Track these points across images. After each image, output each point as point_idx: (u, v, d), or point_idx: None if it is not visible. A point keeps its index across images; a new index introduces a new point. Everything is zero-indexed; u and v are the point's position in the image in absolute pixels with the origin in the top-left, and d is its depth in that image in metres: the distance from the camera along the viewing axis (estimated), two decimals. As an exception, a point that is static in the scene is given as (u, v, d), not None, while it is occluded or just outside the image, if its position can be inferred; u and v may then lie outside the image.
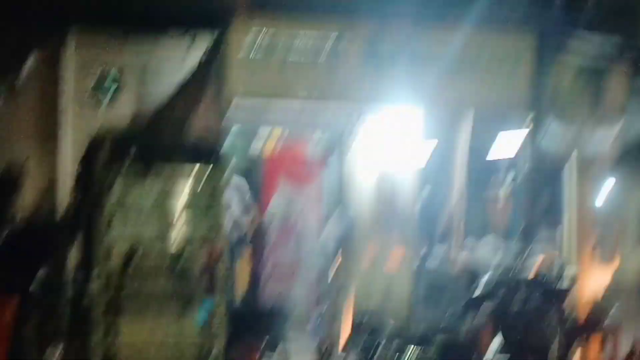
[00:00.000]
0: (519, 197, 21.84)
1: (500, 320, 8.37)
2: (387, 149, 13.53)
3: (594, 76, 11.75)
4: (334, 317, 12.78)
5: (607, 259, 12.27)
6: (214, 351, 8.05)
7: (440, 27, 11.29)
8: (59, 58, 11.96)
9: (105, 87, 12.28)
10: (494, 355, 8.31)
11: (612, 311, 10.24)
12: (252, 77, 10.90)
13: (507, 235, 15.19)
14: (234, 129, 11.72)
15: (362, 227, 13.56)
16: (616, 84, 11.96)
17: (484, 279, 8.66)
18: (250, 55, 10.83)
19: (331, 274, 14.44)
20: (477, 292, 8.56)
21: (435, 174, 16.14)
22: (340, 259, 13.85)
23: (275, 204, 14.50)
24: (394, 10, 11.14)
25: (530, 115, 11.68)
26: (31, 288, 8.86)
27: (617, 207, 15.04)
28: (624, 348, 10.31)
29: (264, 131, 14.16)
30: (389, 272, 13.45)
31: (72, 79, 11.99)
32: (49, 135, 11.92)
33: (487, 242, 13.97)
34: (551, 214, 17.87)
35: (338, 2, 11.01)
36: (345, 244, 13.63)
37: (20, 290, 9.19)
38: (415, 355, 7.75)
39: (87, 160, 8.52)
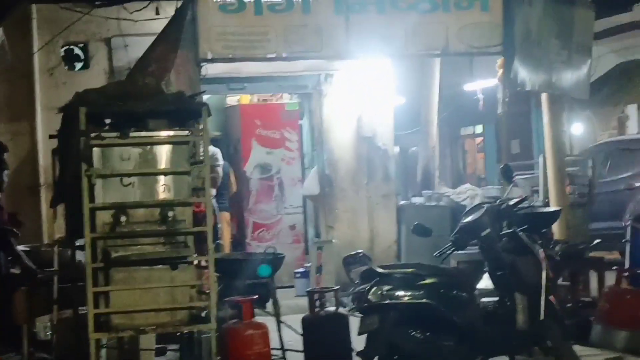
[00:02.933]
0: (491, 142, 22.12)
1: (487, 254, 8.49)
2: (361, 101, 13.64)
3: (562, 15, 11.82)
4: (320, 268, 12.95)
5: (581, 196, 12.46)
6: (206, 311, 8.10)
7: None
8: (27, 32, 11.95)
9: (76, 57, 12.31)
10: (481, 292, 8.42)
11: (594, 244, 10.41)
12: (223, 38, 10.91)
13: (481, 183, 15.38)
14: (208, 89, 11.74)
15: (340, 178, 13.71)
16: (583, 23, 12.05)
17: (467, 215, 8.73)
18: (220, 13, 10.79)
19: (314, 226, 14.62)
20: (462, 224, 8.64)
21: (408, 125, 16.30)
22: (321, 211, 14.01)
23: (253, 160, 14.57)
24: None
25: (501, 58, 11.77)
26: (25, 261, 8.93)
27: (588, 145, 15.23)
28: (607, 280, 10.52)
29: (237, 90, 14.19)
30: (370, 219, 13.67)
31: (42, 52, 12.01)
32: (24, 110, 11.97)
33: (464, 189, 14.14)
34: (524, 156, 18.05)
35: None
36: (325, 196, 13.78)
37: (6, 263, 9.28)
38: (406, 297, 7.86)
39: (64, 131, 8.52)
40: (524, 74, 11.39)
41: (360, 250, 8.63)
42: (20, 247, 9.14)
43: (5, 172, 9.11)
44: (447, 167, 22.12)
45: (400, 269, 8.41)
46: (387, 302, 7.85)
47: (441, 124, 16.71)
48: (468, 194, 13.93)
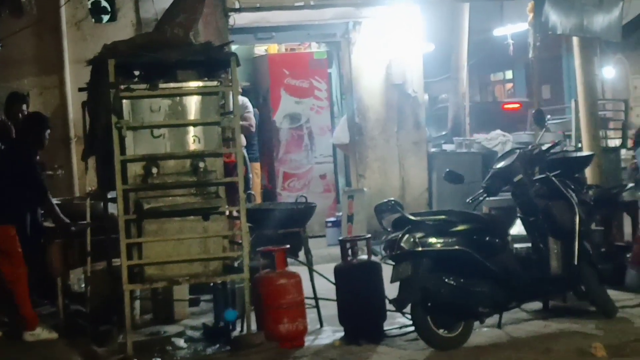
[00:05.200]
0: (521, 88, 21.95)
1: (519, 200, 8.45)
2: (390, 48, 13.54)
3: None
4: (351, 217, 12.95)
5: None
6: (239, 261, 8.13)
7: None
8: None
9: (103, 9, 12.26)
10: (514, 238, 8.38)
11: (627, 187, 10.32)
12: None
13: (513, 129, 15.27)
14: (236, 39, 11.69)
15: (370, 127, 13.66)
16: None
17: (499, 161, 8.68)
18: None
19: (344, 174, 14.61)
20: (494, 170, 8.60)
21: (437, 72, 16.20)
22: (351, 160, 13.99)
23: (282, 110, 14.53)
24: None
25: (531, 2, 11.62)
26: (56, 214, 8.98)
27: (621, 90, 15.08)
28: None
29: (265, 40, 14.11)
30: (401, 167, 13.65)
31: (69, 5, 11.96)
32: (53, 63, 11.97)
33: (495, 135, 14.07)
34: (555, 101, 17.89)
35: None
36: (355, 145, 13.74)
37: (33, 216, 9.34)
38: (438, 244, 7.84)
39: (93, 84, 8.52)
40: (555, 17, 11.25)
41: (392, 199, 8.60)
42: (53, 200, 9.18)
43: (47, 131, 9.17)
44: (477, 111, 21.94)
45: (432, 216, 8.39)
46: (419, 249, 7.84)
47: (471, 70, 16.60)
48: (499, 140, 13.84)
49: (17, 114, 10.18)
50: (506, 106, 16.24)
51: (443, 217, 8.17)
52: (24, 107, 10.35)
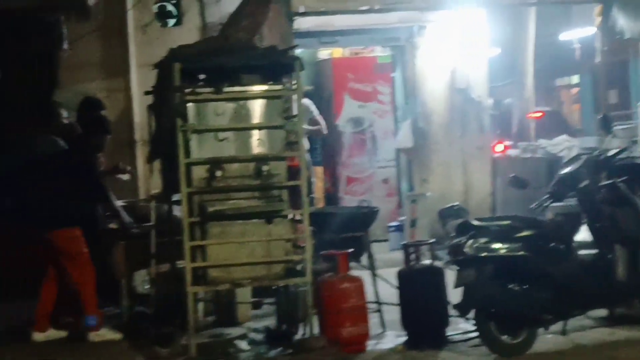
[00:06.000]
0: (587, 93, 21.69)
1: (585, 206, 8.36)
2: (454, 53, 13.48)
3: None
4: (414, 221, 12.90)
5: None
6: (301, 264, 8.14)
7: None
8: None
9: (168, 13, 12.35)
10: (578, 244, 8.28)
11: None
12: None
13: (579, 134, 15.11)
14: (300, 43, 11.71)
15: (433, 131, 13.61)
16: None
17: (565, 167, 8.59)
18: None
19: (407, 179, 14.56)
20: (560, 175, 8.51)
21: (502, 76, 16.10)
22: (414, 164, 13.94)
23: (346, 114, 14.53)
24: None
25: (599, 6, 11.51)
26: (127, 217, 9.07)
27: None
28: None
29: (329, 44, 14.12)
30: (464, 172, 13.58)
31: (135, 9, 12.08)
32: (119, 67, 12.09)
33: (561, 141, 13.93)
34: (622, 106, 17.69)
35: None
36: (418, 149, 13.70)
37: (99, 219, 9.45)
38: (502, 250, 7.78)
39: (158, 87, 8.60)
40: (623, 21, 11.14)
41: (456, 203, 8.58)
42: (118, 203, 9.27)
43: (108, 136, 9.28)
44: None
45: (496, 221, 8.33)
46: (483, 254, 7.79)
47: (536, 75, 16.46)
48: (565, 146, 13.70)
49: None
50: (530, 115, 16.16)
51: (507, 222, 8.11)
52: (102, 112, 10.41)
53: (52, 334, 9.06)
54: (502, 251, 7.83)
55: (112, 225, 9.53)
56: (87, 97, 10.83)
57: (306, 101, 12.32)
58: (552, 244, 7.99)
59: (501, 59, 15.99)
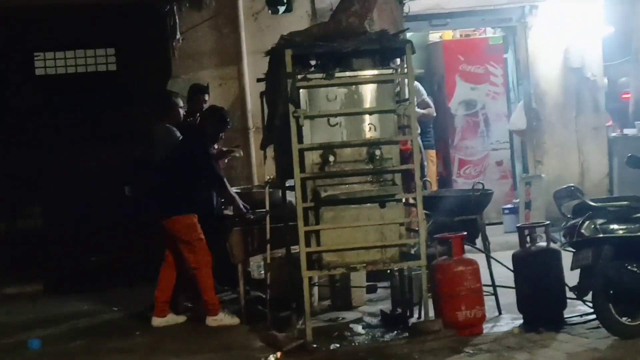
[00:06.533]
0: None
1: None
2: (567, 32, 13.27)
3: None
4: (529, 203, 12.76)
5: None
6: (416, 248, 8.13)
7: None
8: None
9: (279, 0, 12.44)
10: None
11: None
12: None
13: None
14: (410, 27, 11.66)
15: (547, 112, 13.43)
16: None
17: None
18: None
19: (521, 161, 14.40)
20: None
21: (617, 55, 15.74)
22: (528, 146, 13.78)
23: (458, 96, 14.42)
24: None
25: None
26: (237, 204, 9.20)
27: None
28: None
29: (440, 27, 14.03)
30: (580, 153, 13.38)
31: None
32: (231, 55, 12.23)
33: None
34: None
35: None
36: (532, 130, 13.54)
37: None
38: (621, 231, 7.65)
39: (271, 74, 8.67)
40: None
41: (571, 184, 8.44)
42: (233, 189, 9.40)
43: (227, 127, 9.48)
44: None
45: (614, 201, 8.18)
46: (601, 236, 7.67)
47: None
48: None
49: (198, 104, 10.45)
50: (624, 96, 15.74)
51: (626, 202, 7.97)
52: (206, 97, 10.61)
53: (172, 318, 9.26)
54: (621, 232, 7.70)
55: (228, 212, 9.68)
56: (193, 84, 11.02)
57: (416, 84, 12.27)
58: (673, 225, 7.82)
59: (616, 37, 15.64)
